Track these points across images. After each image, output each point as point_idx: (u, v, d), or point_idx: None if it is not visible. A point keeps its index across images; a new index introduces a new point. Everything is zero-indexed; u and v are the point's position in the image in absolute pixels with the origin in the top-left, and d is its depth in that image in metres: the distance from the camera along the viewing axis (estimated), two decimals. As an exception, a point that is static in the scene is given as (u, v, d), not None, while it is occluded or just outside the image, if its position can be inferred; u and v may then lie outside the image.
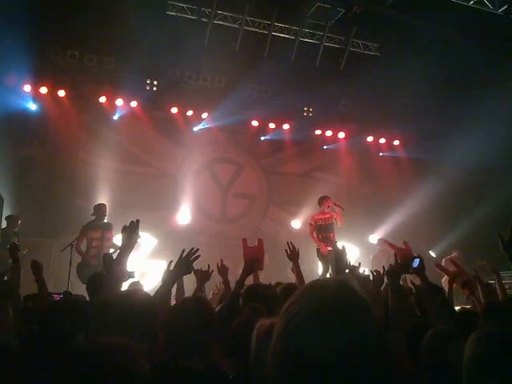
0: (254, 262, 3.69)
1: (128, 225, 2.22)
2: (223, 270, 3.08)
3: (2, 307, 2.22)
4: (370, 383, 0.74)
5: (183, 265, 2.33)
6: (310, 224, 6.95)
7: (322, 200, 6.96)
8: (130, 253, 2.22)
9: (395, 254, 2.86)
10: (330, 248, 6.42)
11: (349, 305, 0.77)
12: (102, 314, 1.51)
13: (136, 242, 2.26)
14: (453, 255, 8.51)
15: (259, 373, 1.70)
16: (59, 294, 4.16)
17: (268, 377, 0.77)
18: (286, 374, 0.75)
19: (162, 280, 2.39)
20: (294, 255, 3.27)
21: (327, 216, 6.86)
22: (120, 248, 2.26)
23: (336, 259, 2.72)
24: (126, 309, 1.49)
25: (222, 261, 3.16)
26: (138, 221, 2.23)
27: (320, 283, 0.84)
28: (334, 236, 6.81)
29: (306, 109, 9.87)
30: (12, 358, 1.69)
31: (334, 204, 6.79)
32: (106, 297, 1.74)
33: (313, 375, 0.73)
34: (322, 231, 6.85)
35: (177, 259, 2.38)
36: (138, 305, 1.54)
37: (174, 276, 2.36)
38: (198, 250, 2.37)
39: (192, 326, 1.80)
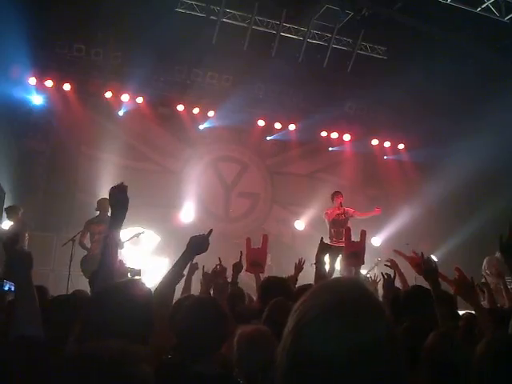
0: (253, 264, 3.65)
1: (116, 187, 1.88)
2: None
3: (30, 291, 1.76)
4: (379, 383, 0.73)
5: (199, 241, 2.10)
6: (327, 219, 6.95)
7: (334, 196, 7.03)
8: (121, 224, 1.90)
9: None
10: (341, 244, 6.31)
11: (361, 305, 0.77)
12: (93, 311, 1.41)
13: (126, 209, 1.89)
14: (497, 255, 8.29)
15: (241, 376, 1.75)
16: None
17: (278, 375, 0.77)
18: (295, 373, 0.75)
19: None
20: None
21: (340, 212, 6.90)
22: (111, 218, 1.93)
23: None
24: (119, 304, 1.38)
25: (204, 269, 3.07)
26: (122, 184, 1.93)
27: (332, 283, 0.84)
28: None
29: (312, 110, 9.86)
30: (38, 349, 1.59)
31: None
32: (98, 291, 1.58)
33: (322, 375, 0.72)
34: (334, 226, 6.89)
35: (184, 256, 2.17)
36: (133, 300, 1.41)
37: (188, 254, 2.11)
38: (211, 229, 2.20)
39: (207, 327, 1.76)
